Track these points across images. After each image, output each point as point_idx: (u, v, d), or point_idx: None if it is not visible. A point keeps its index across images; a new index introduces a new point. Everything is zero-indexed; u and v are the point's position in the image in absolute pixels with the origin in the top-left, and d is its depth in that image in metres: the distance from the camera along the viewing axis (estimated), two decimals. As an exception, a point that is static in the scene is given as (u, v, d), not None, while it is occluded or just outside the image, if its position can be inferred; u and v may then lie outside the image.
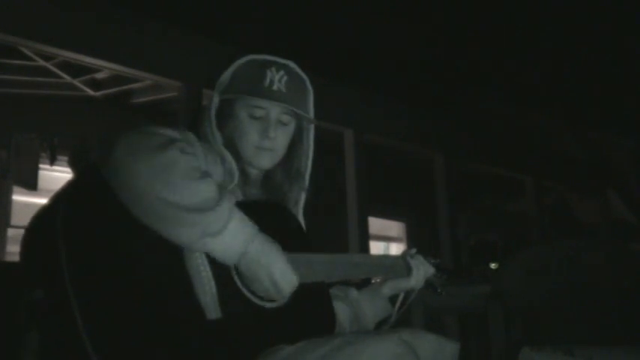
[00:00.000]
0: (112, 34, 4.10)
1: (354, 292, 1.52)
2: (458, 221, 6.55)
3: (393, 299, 1.54)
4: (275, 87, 1.33)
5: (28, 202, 4.95)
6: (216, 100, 1.34)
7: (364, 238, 5.35)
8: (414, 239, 7.86)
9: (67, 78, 5.00)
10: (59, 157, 5.05)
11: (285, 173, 1.42)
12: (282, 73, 1.35)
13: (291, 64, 1.39)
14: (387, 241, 7.94)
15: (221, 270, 1.12)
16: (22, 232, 1.14)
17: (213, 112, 1.33)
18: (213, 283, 1.09)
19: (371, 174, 5.55)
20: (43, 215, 1.10)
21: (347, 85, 5.37)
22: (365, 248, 5.35)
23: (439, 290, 1.60)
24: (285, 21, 4.54)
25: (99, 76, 5.02)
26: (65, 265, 0.96)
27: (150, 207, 1.04)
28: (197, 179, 1.08)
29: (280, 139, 1.36)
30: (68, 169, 5.02)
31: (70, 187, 1.08)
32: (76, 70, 4.84)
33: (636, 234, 7.29)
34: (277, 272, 1.12)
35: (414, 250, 1.59)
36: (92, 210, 1.06)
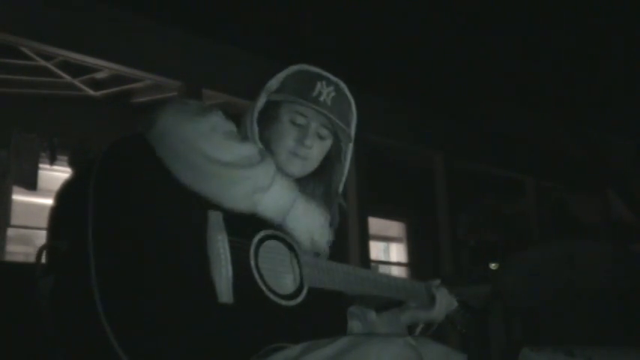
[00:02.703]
0: (112, 34, 4.11)
1: (372, 315, 1.51)
2: (458, 221, 6.55)
3: (410, 328, 1.52)
4: (322, 99, 1.36)
5: (28, 202, 4.95)
6: (262, 98, 1.37)
7: (364, 238, 5.35)
8: (414, 239, 7.86)
9: (67, 78, 5.00)
10: (59, 157, 5.05)
11: (324, 191, 1.44)
12: (331, 88, 1.39)
13: (342, 84, 1.43)
14: (387, 241, 7.93)
15: (240, 259, 1.13)
16: (22, 231, 1.16)
17: (257, 107, 1.36)
18: (230, 267, 1.10)
19: (371, 174, 5.55)
20: (78, 174, 1.13)
21: (347, 86, 5.37)
22: (365, 248, 5.35)
23: (459, 327, 1.57)
24: (284, 21, 4.54)
25: (99, 76, 5.01)
26: (92, 222, 0.99)
27: (200, 169, 1.10)
28: (239, 140, 1.17)
29: (315, 151, 1.37)
30: (68, 169, 5.02)
31: (106, 150, 1.10)
32: (76, 70, 4.83)
33: (636, 234, 7.30)
34: (320, 224, 1.24)
35: (438, 282, 1.56)
36: (125, 174, 1.09)
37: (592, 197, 8.17)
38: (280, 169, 1.34)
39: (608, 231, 7.87)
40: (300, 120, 1.35)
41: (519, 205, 7.71)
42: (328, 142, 1.40)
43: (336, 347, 1.03)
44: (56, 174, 5.06)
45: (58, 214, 1.11)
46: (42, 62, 4.70)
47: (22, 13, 3.73)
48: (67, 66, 4.74)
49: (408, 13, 4.60)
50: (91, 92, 5.25)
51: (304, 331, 1.16)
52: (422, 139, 6.24)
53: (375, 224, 6.74)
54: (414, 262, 7.64)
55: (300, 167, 1.36)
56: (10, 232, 4.89)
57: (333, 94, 1.38)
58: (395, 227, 7.95)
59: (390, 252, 7.93)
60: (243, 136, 1.31)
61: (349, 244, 5.30)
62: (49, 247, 1.05)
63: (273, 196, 1.17)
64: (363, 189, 5.40)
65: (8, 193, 4.94)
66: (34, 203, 4.87)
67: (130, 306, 0.97)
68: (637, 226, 7.55)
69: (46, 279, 1.02)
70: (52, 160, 5.02)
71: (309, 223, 1.24)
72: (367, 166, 5.51)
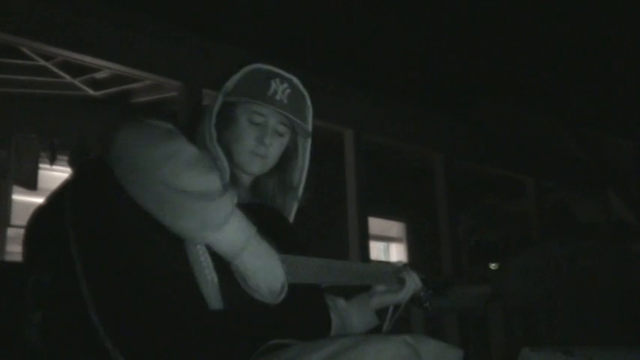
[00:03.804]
0: (112, 34, 4.11)
1: (342, 302, 1.54)
2: (458, 221, 6.55)
3: (379, 311, 1.56)
4: (278, 97, 1.37)
5: (28, 202, 4.95)
6: (219, 101, 1.37)
7: (364, 238, 5.35)
8: (414, 239, 7.86)
9: (67, 78, 5.00)
10: (59, 157, 5.05)
11: (279, 185, 1.46)
12: (285, 85, 1.39)
13: (295, 80, 1.43)
14: (387, 241, 7.94)
15: (222, 263, 1.13)
16: (22, 231, 1.15)
17: (215, 110, 1.36)
18: (214, 274, 1.10)
19: (371, 174, 5.55)
20: (49, 203, 1.12)
21: (347, 85, 5.37)
22: (365, 248, 5.35)
23: (426, 305, 1.62)
24: (285, 21, 4.54)
25: (99, 75, 5.02)
26: (75, 250, 0.98)
27: (153, 193, 1.06)
28: (203, 169, 1.11)
29: (274, 148, 1.39)
30: (68, 169, 5.02)
31: (76, 176, 1.10)
32: (76, 69, 4.84)
33: (636, 234, 7.29)
34: (271, 273, 1.15)
35: (402, 263, 1.62)
36: (99, 197, 1.08)
37: (592, 197, 8.17)
38: (241, 169, 1.38)
39: (608, 231, 7.87)
40: (258, 119, 1.37)
41: (519, 205, 7.71)
42: (286, 138, 1.43)
43: (335, 347, 1.04)
44: (56, 174, 5.07)
45: (34, 243, 1.11)
46: (42, 62, 4.71)
47: (22, 13, 3.73)
48: (67, 66, 4.74)
49: (409, 14, 4.60)
50: (91, 92, 5.25)
51: (293, 325, 1.19)
52: (422, 139, 6.24)
53: (375, 224, 6.74)
54: (414, 262, 7.65)
55: (261, 166, 1.39)
56: (10, 232, 4.90)
57: (288, 90, 1.39)
58: (395, 227, 7.95)
59: (390, 252, 7.93)
60: (199, 140, 1.31)
61: (349, 244, 5.30)
62: (33, 281, 1.04)
63: (225, 236, 1.10)
64: (363, 189, 5.40)
65: (8, 193, 4.94)
66: (34, 203, 4.85)
67: (133, 327, 0.98)
68: (637, 226, 7.55)
69: (33, 315, 1.01)
70: (52, 160, 5.02)
71: (266, 262, 1.15)
72: (367, 166, 5.51)
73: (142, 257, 1.05)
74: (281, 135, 1.40)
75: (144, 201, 1.07)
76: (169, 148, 1.09)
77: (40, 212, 1.12)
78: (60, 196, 1.06)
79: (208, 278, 1.09)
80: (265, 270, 1.14)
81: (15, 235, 4.98)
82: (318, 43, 4.69)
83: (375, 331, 1.56)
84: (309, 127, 1.45)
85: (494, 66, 5.41)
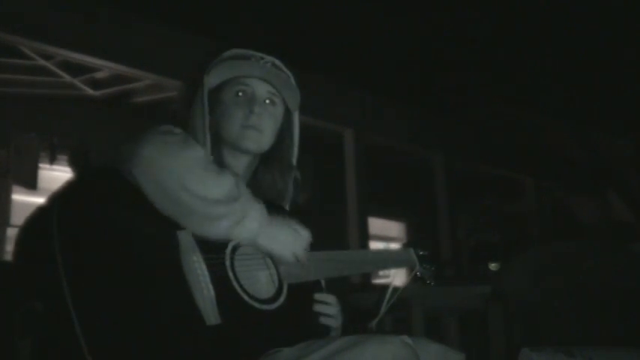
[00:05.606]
0: (112, 34, 4.10)
1: None
2: (458, 221, 6.55)
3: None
4: (260, 64, 1.38)
5: (27, 201, 4.94)
6: (206, 87, 1.35)
7: (364, 238, 5.35)
8: (413, 239, 7.85)
9: (67, 77, 5.00)
10: (59, 157, 5.05)
11: (280, 170, 1.43)
12: (265, 61, 1.40)
13: (277, 61, 1.42)
14: (387, 241, 7.93)
15: (218, 275, 1.12)
16: (21, 231, 1.13)
17: (206, 97, 1.33)
18: (211, 287, 1.09)
19: (371, 174, 5.54)
20: (37, 221, 1.10)
21: (347, 85, 5.37)
22: (365, 248, 5.34)
23: (428, 282, 1.62)
24: (285, 21, 4.54)
25: (99, 75, 5.01)
26: (64, 276, 0.95)
27: (185, 204, 1.10)
28: (218, 172, 1.18)
29: (266, 119, 1.36)
30: (68, 169, 5.02)
31: (66, 190, 1.08)
32: (76, 69, 4.83)
33: (636, 234, 7.29)
34: (289, 245, 1.24)
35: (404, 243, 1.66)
36: (89, 215, 1.05)
37: (592, 197, 8.16)
38: (236, 148, 1.34)
39: (608, 231, 7.86)
40: (244, 91, 1.35)
41: (519, 205, 7.71)
42: (278, 110, 1.39)
43: (334, 347, 1.04)
44: (56, 174, 5.06)
45: (23, 257, 1.10)
46: (42, 62, 4.70)
47: (22, 12, 3.73)
48: (67, 66, 4.74)
49: (409, 14, 4.60)
50: (91, 92, 5.25)
51: (293, 330, 1.18)
52: (422, 139, 6.24)
53: (375, 224, 6.73)
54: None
55: (256, 140, 1.34)
56: (10, 231, 4.90)
57: (268, 64, 1.39)
58: (395, 227, 7.95)
59: (390, 252, 7.93)
60: (193, 132, 1.29)
61: (349, 244, 5.30)
62: (25, 309, 1.01)
63: (246, 224, 1.18)
64: (363, 189, 5.40)
65: (8, 193, 4.94)
66: (34, 203, 4.86)
67: (127, 352, 0.95)
68: (637, 226, 7.55)
69: (23, 341, 1.00)
70: (52, 160, 5.02)
71: (282, 237, 1.25)
72: (367, 166, 5.51)
73: (135, 278, 1.02)
74: (272, 104, 1.37)
75: (174, 212, 1.11)
76: (188, 155, 1.14)
77: (29, 229, 1.11)
78: (48, 212, 1.03)
79: (205, 293, 1.07)
80: (283, 243, 1.23)
81: (15, 235, 4.98)
82: (318, 42, 4.69)
83: (372, 315, 1.54)
84: (298, 95, 1.41)
85: (495, 65, 5.41)
